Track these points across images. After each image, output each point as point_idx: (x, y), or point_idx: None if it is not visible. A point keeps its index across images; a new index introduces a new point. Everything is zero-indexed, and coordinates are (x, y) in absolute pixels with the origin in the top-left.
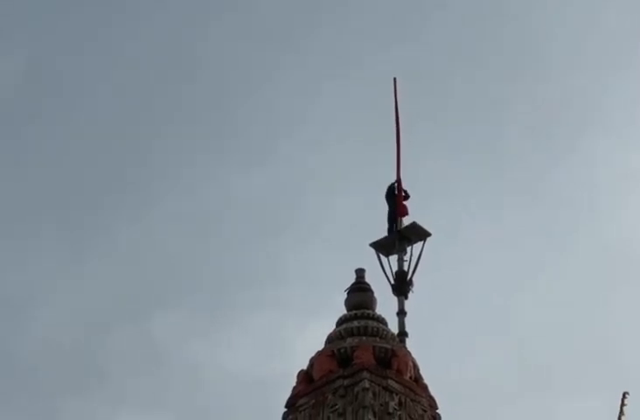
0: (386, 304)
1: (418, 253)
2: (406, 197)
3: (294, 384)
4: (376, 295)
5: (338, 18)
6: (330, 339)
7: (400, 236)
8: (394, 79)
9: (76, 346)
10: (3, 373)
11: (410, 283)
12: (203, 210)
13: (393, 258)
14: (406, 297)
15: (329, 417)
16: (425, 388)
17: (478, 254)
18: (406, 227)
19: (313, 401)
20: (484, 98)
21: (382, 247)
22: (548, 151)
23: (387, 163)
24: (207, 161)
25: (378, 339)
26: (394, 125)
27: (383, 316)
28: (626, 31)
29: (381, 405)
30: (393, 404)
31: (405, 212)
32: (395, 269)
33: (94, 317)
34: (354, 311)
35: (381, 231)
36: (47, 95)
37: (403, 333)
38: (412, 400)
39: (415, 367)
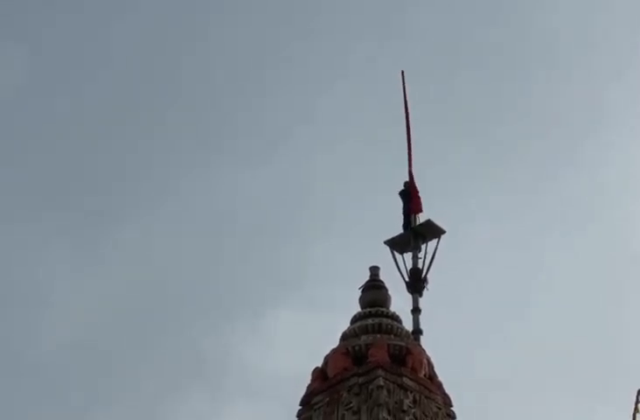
0: (400, 302)
1: (433, 250)
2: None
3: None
4: (390, 292)
5: (339, 18)
6: (345, 337)
7: (415, 234)
8: (402, 72)
9: (81, 347)
10: (16, 372)
11: (425, 280)
12: (210, 210)
13: (408, 256)
14: (421, 295)
15: (343, 415)
16: (439, 385)
17: (491, 252)
18: (421, 224)
19: (327, 399)
20: (486, 97)
21: (397, 244)
22: (550, 151)
23: (398, 160)
24: (221, 160)
25: (392, 336)
26: (403, 121)
27: (397, 313)
28: (628, 29)
29: (396, 403)
30: (407, 402)
31: (419, 209)
32: (410, 266)
33: (99, 317)
34: (368, 309)
35: (396, 229)
36: (47, 95)
37: (418, 331)
38: (426, 397)
39: (430, 364)
